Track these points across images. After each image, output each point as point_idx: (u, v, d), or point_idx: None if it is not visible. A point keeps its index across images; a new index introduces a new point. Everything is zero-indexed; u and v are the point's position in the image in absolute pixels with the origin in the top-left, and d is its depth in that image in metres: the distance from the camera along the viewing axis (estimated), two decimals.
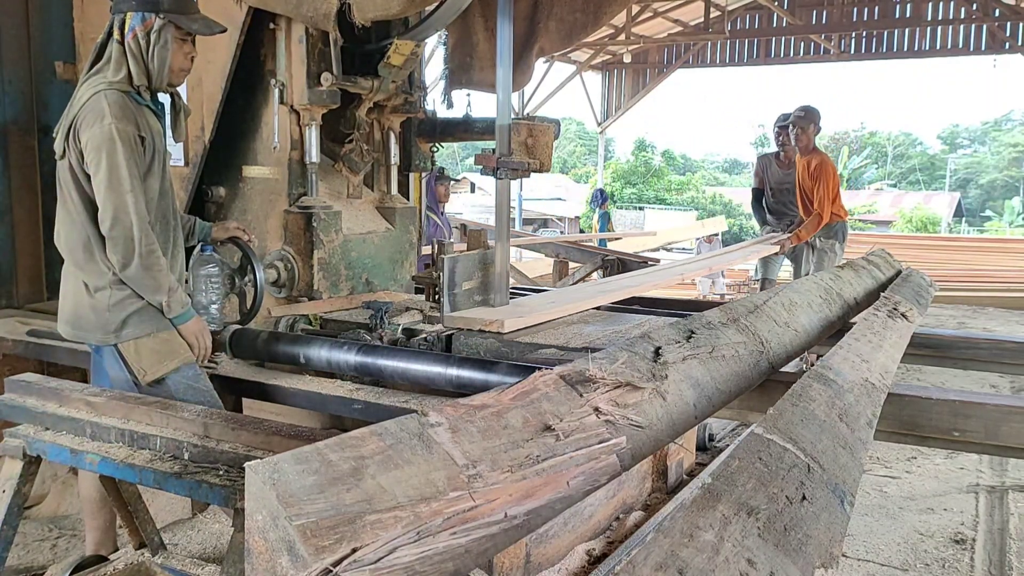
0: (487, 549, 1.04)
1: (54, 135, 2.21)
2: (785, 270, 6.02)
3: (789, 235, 5.29)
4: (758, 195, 5.80)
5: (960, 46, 12.42)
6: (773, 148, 5.74)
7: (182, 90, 2.44)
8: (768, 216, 5.71)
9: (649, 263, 5.80)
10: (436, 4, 2.82)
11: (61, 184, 2.18)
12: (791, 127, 5.35)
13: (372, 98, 3.15)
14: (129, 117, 2.10)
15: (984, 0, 11.55)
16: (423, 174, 3.94)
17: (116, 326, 2.14)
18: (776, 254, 5.36)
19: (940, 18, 12.20)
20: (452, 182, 5.58)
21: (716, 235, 12.35)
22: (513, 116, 2.75)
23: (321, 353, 2.41)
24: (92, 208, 2.13)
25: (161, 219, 2.22)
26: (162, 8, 2.16)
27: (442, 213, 5.56)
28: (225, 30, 2.38)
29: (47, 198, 3.56)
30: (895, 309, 2.44)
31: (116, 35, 2.16)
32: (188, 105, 2.50)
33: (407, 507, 0.95)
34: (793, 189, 5.47)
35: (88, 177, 2.11)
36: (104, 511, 2.31)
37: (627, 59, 14.22)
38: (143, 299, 2.16)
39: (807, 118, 5.29)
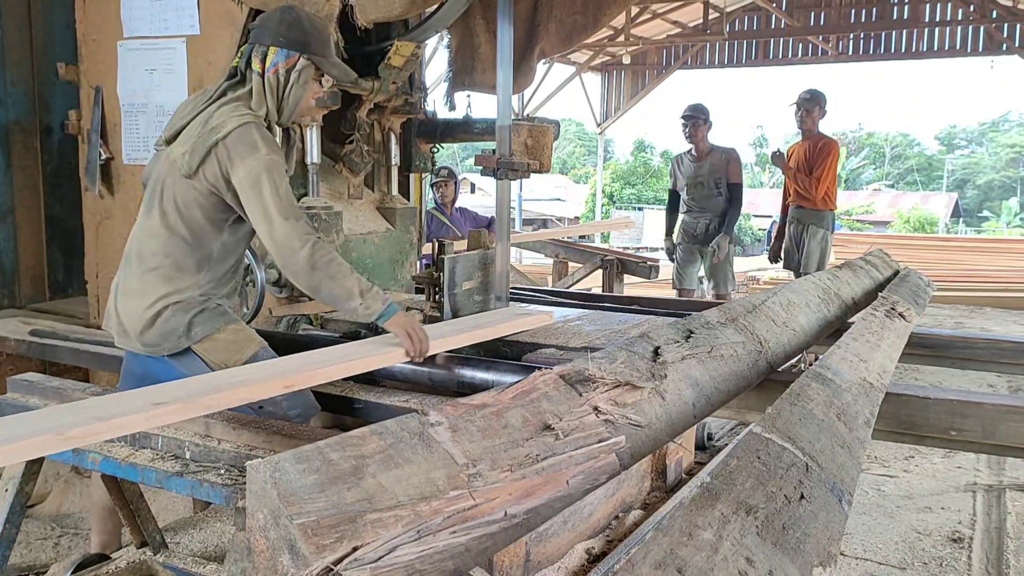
0: (487, 548, 1.05)
1: (163, 143, 2.17)
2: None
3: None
4: (673, 198, 5.55)
5: (958, 47, 12.44)
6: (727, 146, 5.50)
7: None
8: (685, 217, 5.46)
9: (648, 262, 5.80)
10: (436, 6, 2.83)
11: (171, 198, 2.14)
12: (796, 108, 5.28)
13: (373, 99, 3.16)
14: (277, 149, 2.12)
15: (981, 1, 11.57)
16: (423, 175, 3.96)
17: (183, 329, 2.13)
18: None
19: (938, 19, 12.22)
20: (447, 182, 5.49)
21: None
22: (513, 117, 2.76)
23: None
24: (208, 227, 2.14)
25: (245, 245, 2.27)
26: (309, 49, 2.16)
27: (453, 213, 5.51)
28: (356, 78, 2.37)
29: (50, 199, 3.58)
30: (893, 309, 2.45)
31: (258, 67, 2.14)
32: (299, 143, 2.51)
33: (407, 506, 0.96)
34: (708, 182, 5.26)
35: (217, 199, 2.11)
36: (114, 517, 2.31)
37: (626, 60, 14.22)
38: (203, 301, 2.16)
39: (813, 100, 5.24)
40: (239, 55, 2.20)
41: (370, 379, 2.39)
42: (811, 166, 5.24)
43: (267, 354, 2.20)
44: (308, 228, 2.08)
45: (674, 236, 5.51)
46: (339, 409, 2.26)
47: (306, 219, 2.10)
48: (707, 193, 5.29)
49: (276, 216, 2.03)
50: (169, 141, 2.17)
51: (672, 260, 5.63)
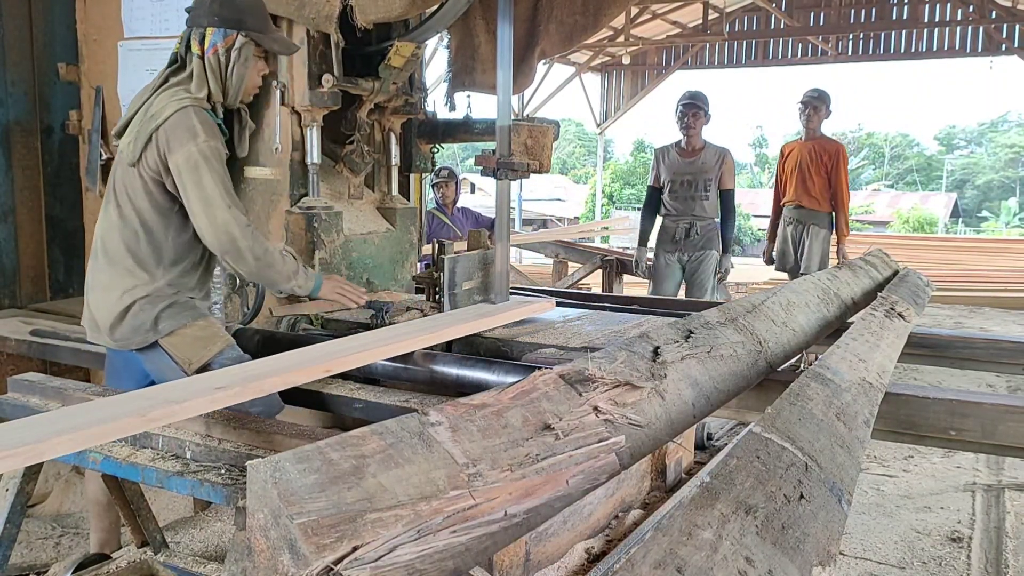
0: (487, 547, 1.05)
1: (115, 137, 2.19)
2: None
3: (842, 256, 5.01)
4: (652, 196, 4.94)
5: (957, 48, 12.46)
6: (725, 143, 4.97)
7: None
8: (663, 220, 4.90)
9: (648, 263, 5.80)
10: (437, 6, 2.83)
11: (123, 190, 2.16)
12: (803, 107, 5.12)
13: (373, 99, 3.16)
14: (216, 134, 2.13)
15: (980, 2, 11.57)
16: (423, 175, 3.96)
17: (151, 323, 2.14)
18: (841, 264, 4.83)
19: (937, 20, 12.24)
20: (447, 182, 5.49)
21: None
22: (513, 117, 2.77)
23: None
24: (157, 217, 2.13)
25: None
26: (245, 26, 2.17)
27: (454, 213, 5.53)
28: (299, 49, 2.39)
29: (50, 199, 3.59)
30: (892, 309, 2.46)
31: (197, 49, 2.15)
32: (252, 121, 2.50)
33: (407, 505, 0.96)
34: (697, 181, 4.72)
35: (162, 187, 2.11)
36: (111, 513, 2.32)
37: (626, 61, 14.24)
38: (173, 294, 2.17)
39: (820, 99, 5.12)
40: (179, 41, 2.20)
41: (371, 379, 2.40)
42: (824, 170, 5.13)
43: (233, 352, 2.22)
44: (245, 217, 2.12)
45: (649, 241, 4.94)
46: (339, 409, 2.26)
47: (241, 206, 2.14)
48: (692, 194, 4.75)
49: (218, 203, 2.05)
50: (119, 135, 2.19)
51: (640, 274, 5.07)
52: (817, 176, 5.18)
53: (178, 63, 2.20)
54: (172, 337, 2.16)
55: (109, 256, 2.18)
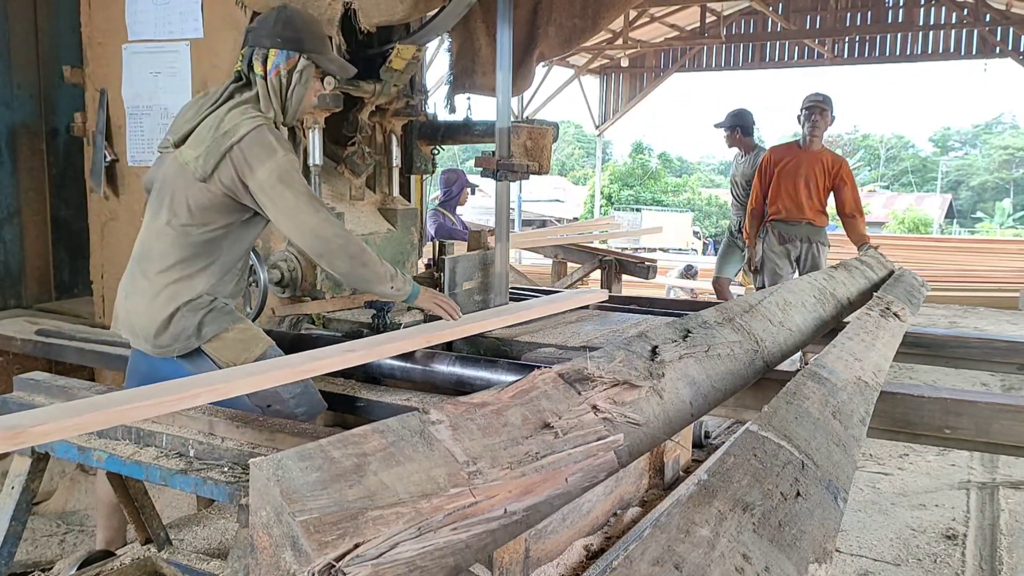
0: (487, 544, 1.06)
1: (173, 146, 2.18)
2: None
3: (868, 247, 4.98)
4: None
5: (951, 50, 12.49)
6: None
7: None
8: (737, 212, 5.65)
9: (646, 263, 5.82)
10: (437, 9, 2.85)
11: (182, 201, 2.14)
12: (808, 114, 5.09)
13: (374, 101, 3.18)
14: (291, 148, 2.18)
15: (975, 5, 11.58)
16: (425, 176, 4.00)
17: (193, 329, 2.15)
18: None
19: (932, 23, 12.26)
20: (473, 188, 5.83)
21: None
22: (513, 119, 2.79)
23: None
24: (221, 230, 2.16)
25: (250, 246, 2.30)
26: (305, 48, 2.19)
27: (453, 210, 5.66)
28: (356, 72, 2.41)
29: (55, 200, 3.61)
30: (888, 309, 2.47)
31: (260, 70, 2.17)
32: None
33: (408, 503, 0.96)
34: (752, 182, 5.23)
35: (232, 201, 2.13)
36: (119, 515, 2.32)
37: (624, 63, 14.27)
38: (213, 300, 2.18)
39: (826, 103, 5.10)
40: (240, 58, 2.23)
41: (372, 378, 2.42)
42: (818, 184, 5.04)
43: (275, 352, 2.23)
44: (335, 218, 2.17)
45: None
46: (341, 407, 2.28)
47: (326, 209, 2.18)
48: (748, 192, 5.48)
49: (307, 210, 2.09)
50: (178, 144, 2.18)
51: None
52: (823, 191, 5.07)
53: (243, 81, 2.21)
54: (215, 342, 2.17)
55: (153, 263, 2.17)
